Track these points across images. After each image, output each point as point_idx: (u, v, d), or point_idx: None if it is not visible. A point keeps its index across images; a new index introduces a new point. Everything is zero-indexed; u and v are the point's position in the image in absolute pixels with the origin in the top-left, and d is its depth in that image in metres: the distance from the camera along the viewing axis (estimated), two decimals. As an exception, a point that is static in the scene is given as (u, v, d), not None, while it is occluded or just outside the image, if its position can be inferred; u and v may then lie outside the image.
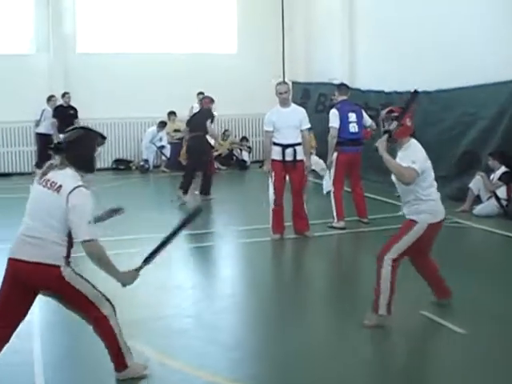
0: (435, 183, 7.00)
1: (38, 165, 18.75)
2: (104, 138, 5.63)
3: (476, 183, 12.73)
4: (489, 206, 12.47)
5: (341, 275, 9.48)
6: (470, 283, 8.20)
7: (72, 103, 18.45)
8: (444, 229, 7.33)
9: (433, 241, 7.14)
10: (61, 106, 18.40)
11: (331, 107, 17.66)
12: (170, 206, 13.82)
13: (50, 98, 18.62)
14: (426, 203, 6.82)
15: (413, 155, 6.69)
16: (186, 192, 14.32)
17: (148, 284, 8.81)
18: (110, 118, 19.27)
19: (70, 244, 5.28)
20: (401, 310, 7.31)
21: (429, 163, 6.89)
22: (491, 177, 12.71)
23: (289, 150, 10.75)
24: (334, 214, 11.53)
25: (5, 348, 5.42)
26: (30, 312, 5.55)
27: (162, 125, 19.42)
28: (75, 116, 18.29)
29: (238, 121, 21.22)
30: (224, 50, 21.15)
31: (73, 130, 5.53)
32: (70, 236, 5.22)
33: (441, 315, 7.17)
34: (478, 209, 12.45)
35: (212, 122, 14.85)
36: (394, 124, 6.75)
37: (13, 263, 5.26)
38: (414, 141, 6.91)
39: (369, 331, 6.85)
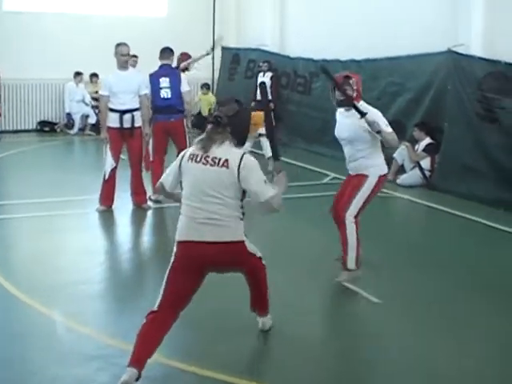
0: None
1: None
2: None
3: (400, 153, 12.77)
4: (412, 176, 12.56)
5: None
6: (389, 253, 8.21)
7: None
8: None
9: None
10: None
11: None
12: (92, 168, 13.46)
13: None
14: (376, 159, 7.21)
15: (380, 119, 6.92)
16: None
17: (60, 249, 8.71)
18: (34, 79, 18.68)
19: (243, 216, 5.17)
20: (316, 278, 7.41)
21: None
22: (416, 147, 12.78)
23: (127, 116, 10.16)
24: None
25: None
26: None
27: (78, 75, 18.84)
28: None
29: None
30: (153, 13, 20.71)
31: (225, 103, 5.30)
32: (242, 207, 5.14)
33: (357, 284, 7.18)
34: (402, 178, 12.52)
35: None
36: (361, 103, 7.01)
37: (192, 246, 5.04)
38: (364, 103, 7.08)
39: (279, 298, 6.78)
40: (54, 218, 10.08)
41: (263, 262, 5.62)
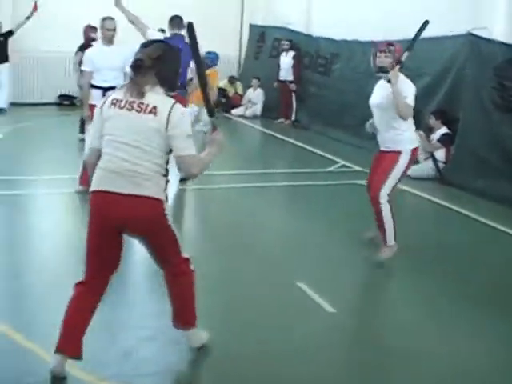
0: None
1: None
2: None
3: (414, 142, 11.89)
4: (424, 167, 11.67)
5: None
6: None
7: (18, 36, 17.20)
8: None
9: None
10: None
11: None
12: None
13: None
14: (408, 131, 7.18)
15: (405, 89, 6.99)
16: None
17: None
18: (55, 52, 18.17)
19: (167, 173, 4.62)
20: (277, 279, 6.75)
21: None
22: (431, 137, 11.90)
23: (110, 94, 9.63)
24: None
25: None
26: None
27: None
28: (5, 42, 17.01)
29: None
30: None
31: (149, 44, 4.75)
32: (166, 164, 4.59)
33: (316, 290, 6.43)
34: (413, 169, 11.46)
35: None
36: (405, 54, 7.16)
37: (105, 196, 4.47)
38: (400, 74, 7.14)
39: (237, 297, 6.17)
40: (28, 197, 9.65)
41: (191, 266, 4.89)
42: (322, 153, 13.28)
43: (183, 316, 5.01)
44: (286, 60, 16.84)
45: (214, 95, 13.08)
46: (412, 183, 11.00)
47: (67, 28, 17.24)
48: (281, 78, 16.99)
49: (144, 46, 4.72)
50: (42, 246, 7.72)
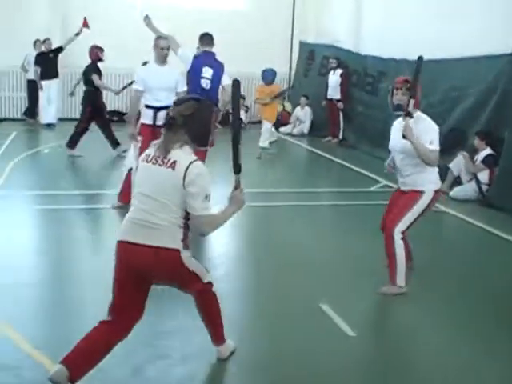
0: None
1: (26, 113, 18.16)
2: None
3: (457, 163, 11.67)
4: (467, 189, 11.43)
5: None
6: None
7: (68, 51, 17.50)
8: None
9: None
10: (42, 52, 17.38)
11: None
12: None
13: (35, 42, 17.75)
14: (431, 173, 6.78)
15: (428, 133, 6.56)
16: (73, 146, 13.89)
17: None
18: (104, 68, 18.24)
19: (187, 226, 4.69)
20: (300, 299, 6.67)
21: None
22: (475, 158, 11.64)
23: (161, 114, 9.17)
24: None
25: None
26: None
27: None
28: (55, 58, 17.38)
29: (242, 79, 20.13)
30: (232, 5, 20.08)
31: (181, 101, 4.85)
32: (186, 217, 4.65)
33: (338, 311, 6.31)
34: (456, 191, 11.38)
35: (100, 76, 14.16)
36: (411, 102, 6.55)
37: (127, 246, 4.62)
38: (421, 114, 6.73)
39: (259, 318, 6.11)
40: (71, 212, 9.75)
41: (213, 288, 4.98)
42: (365, 172, 13.19)
43: (213, 333, 5.17)
44: (334, 78, 16.78)
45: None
46: (454, 204, 10.85)
47: (116, 44, 17.51)
48: (328, 97, 16.91)
49: (176, 103, 4.81)
50: (84, 260, 7.77)
